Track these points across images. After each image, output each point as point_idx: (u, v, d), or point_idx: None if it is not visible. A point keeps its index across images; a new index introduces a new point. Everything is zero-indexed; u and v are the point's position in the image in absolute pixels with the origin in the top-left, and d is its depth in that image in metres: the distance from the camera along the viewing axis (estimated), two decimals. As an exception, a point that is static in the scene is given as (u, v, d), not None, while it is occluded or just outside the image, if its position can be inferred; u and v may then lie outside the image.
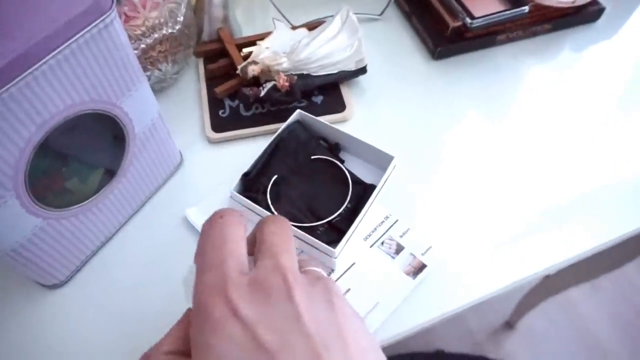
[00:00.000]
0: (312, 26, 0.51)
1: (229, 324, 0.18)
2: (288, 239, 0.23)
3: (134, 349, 0.36)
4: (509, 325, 1.16)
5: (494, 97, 0.51)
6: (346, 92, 0.49)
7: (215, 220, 0.22)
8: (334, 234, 0.39)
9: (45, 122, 0.29)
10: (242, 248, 0.22)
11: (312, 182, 0.42)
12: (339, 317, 0.19)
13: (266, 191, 0.40)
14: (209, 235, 0.22)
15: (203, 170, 0.45)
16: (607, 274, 0.87)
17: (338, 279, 0.39)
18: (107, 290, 0.38)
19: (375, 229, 0.41)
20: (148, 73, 0.45)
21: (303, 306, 0.19)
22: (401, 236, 0.41)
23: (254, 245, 0.24)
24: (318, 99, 0.48)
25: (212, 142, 0.46)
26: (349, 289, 0.38)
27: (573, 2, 0.52)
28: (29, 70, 0.27)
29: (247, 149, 0.46)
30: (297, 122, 0.44)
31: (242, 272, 0.20)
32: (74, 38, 0.28)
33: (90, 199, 0.36)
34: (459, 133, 0.48)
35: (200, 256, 0.22)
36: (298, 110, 0.44)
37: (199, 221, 0.41)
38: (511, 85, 0.52)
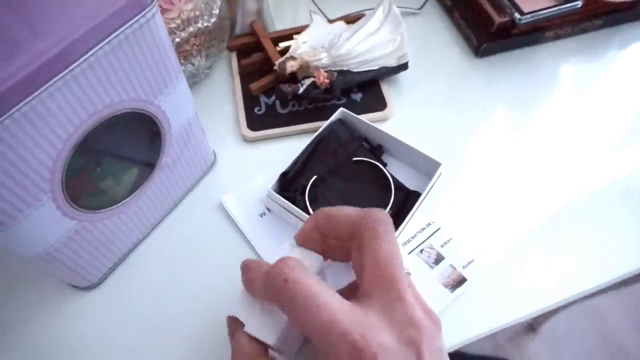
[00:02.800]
0: (350, 19, 0.49)
1: None
2: (400, 258, 0.22)
3: (166, 351, 0.35)
4: (532, 328, 1.14)
5: (541, 99, 0.48)
6: (386, 89, 0.47)
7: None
8: None
9: (83, 122, 0.28)
10: (336, 299, 0.21)
11: (352, 185, 0.40)
12: None
13: (304, 192, 0.38)
14: (295, 302, 0.21)
15: (237, 169, 0.43)
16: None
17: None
18: (140, 291, 0.37)
19: (416, 235, 0.39)
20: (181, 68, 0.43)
21: None
22: (442, 246, 0.38)
23: (321, 238, 0.25)
24: (357, 97, 0.46)
25: (247, 140, 0.44)
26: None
27: (629, -3, 0.49)
28: (68, 69, 0.25)
29: (283, 148, 0.44)
30: (339, 120, 0.42)
31: (359, 325, 0.20)
32: (114, 34, 0.26)
33: (125, 200, 0.35)
34: (504, 139, 0.45)
35: (305, 325, 0.21)
36: (341, 109, 0.41)
37: (234, 208, 0.40)
38: (559, 87, 0.49)
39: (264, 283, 0.22)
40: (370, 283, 0.22)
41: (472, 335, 0.35)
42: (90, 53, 0.26)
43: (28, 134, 0.25)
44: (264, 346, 0.26)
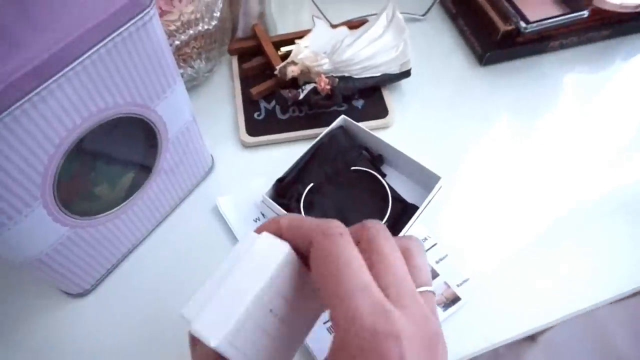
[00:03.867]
0: (353, 25, 0.48)
1: None
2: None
3: (160, 358, 0.34)
4: (531, 337, 1.13)
5: (545, 110, 0.47)
6: (388, 96, 0.46)
7: (337, 239, 0.22)
8: None
9: (76, 126, 0.27)
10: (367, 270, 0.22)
11: (350, 194, 0.39)
12: None
13: (300, 199, 0.38)
14: (339, 256, 0.22)
15: (236, 175, 0.42)
16: None
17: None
18: (134, 297, 0.36)
19: None
20: (180, 71, 0.43)
21: None
22: (437, 262, 0.37)
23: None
24: (359, 103, 0.45)
25: (246, 146, 0.44)
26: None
27: (637, 7, 0.48)
28: (63, 72, 0.24)
29: (282, 154, 0.43)
30: (340, 128, 0.41)
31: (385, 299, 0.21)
32: (111, 36, 0.26)
33: (119, 206, 0.34)
34: (506, 150, 0.44)
35: (336, 280, 0.21)
36: (342, 116, 0.41)
37: (229, 212, 0.39)
38: (563, 98, 0.48)
39: (319, 225, 0.23)
40: (387, 285, 0.22)
41: (465, 354, 0.34)
42: (85, 56, 0.25)
43: (19, 138, 0.24)
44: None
